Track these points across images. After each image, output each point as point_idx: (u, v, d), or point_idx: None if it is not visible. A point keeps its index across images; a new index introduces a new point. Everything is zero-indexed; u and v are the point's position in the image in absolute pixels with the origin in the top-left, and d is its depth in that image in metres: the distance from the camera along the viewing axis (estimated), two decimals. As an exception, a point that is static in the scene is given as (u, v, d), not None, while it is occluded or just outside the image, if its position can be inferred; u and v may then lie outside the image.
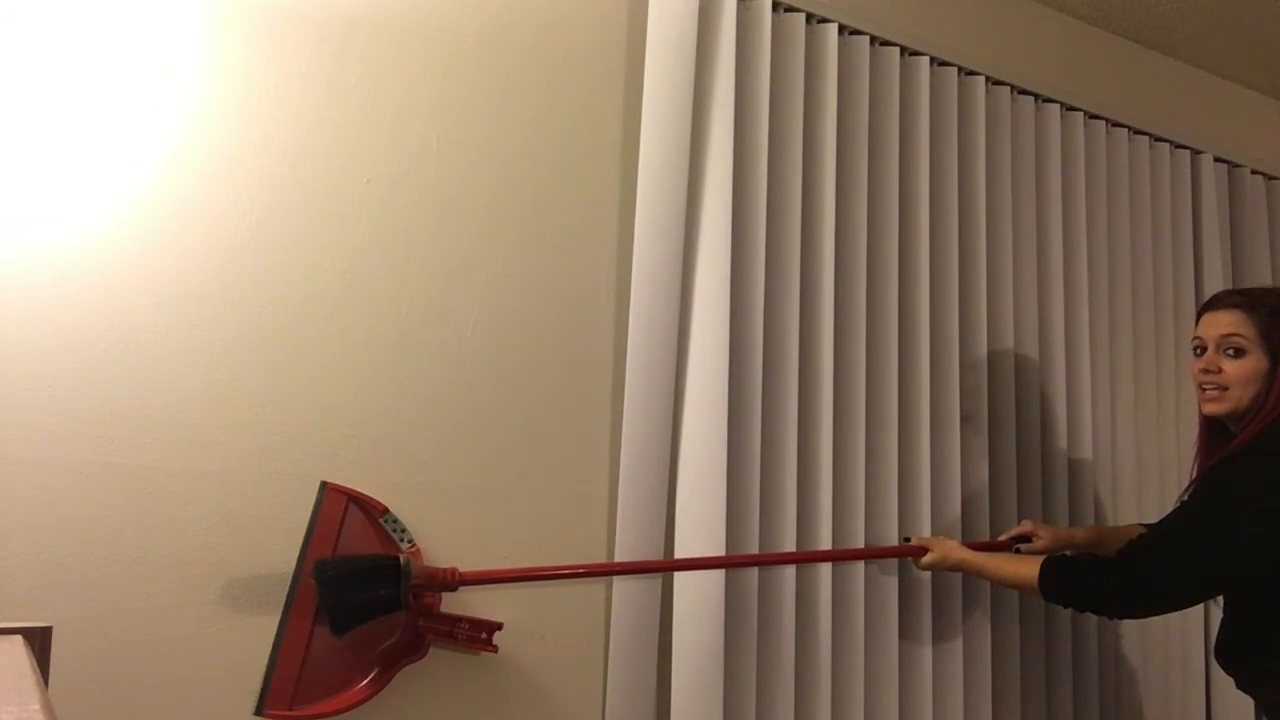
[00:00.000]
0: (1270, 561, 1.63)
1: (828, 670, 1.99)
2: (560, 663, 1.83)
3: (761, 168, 2.03)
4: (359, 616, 1.60)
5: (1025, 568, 1.83)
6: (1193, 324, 2.64)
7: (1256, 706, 1.80)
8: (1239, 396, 1.70)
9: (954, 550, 1.97)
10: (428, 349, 1.77)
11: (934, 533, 2.14)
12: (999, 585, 2.10)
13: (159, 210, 1.60)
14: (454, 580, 1.67)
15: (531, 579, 1.79)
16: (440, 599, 1.70)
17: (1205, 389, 1.75)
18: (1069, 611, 2.28)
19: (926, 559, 1.99)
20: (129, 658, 1.51)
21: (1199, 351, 1.78)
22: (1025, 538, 2.09)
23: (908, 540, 2.07)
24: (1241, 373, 1.70)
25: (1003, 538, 2.12)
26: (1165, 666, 2.47)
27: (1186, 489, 1.80)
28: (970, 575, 2.07)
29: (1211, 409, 1.75)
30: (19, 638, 1.11)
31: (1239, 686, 1.76)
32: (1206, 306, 1.81)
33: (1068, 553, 2.06)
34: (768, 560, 1.94)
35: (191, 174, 1.62)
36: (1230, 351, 1.71)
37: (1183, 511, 1.72)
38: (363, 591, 1.59)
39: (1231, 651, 1.75)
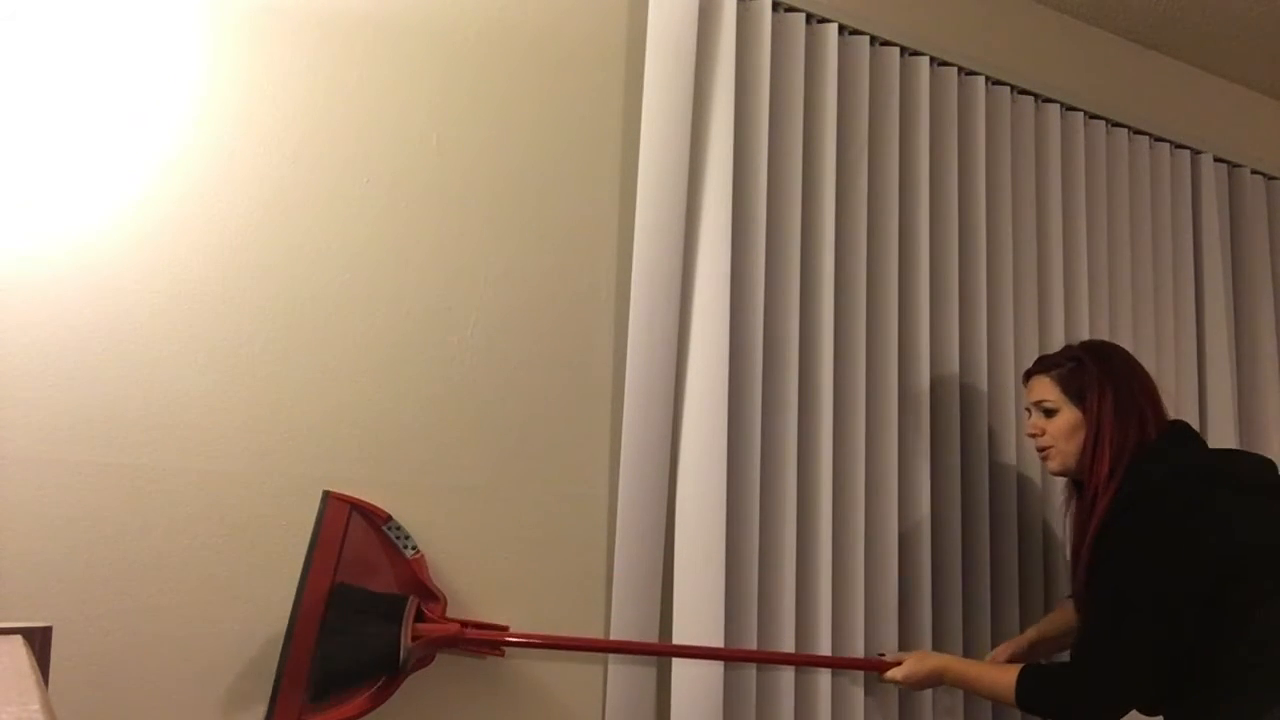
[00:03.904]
0: (1203, 600, 1.65)
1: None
2: (561, 663, 1.83)
3: (761, 168, 2.03)
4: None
5: (1003, 677, 1.82)
6: (1193, 325, 2.69)
7: None
8: (1065, 450, 1.86)
9: (928, 656, 1.95)
10: (428, 349, 1.77)
11: (932, 535, 2.15)
12: (977, 695, 2.01)
13: (159, 210, 1.60)
14: (456, 639, 1.67)
15: (535, 646, 1.78)
16: (444, 606, 1.70)
17: (1039, 451, 1.92)
18: None
19: (899, 671, 1.94)
20: (129, 658, 1.51)
21: (1030, 416, 1.94)
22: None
23: (881, 655, 2.02)
24: (1058, 429, 1.87)
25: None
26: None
27: (1077, 555, 1.83)
28: (950, 685, 1.99)
29: (1050, 467, 1.91)
30: (19, 638, 1.11)
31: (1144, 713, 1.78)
32: (1026, 374, 1.98)
33: (1043, 661, 2.00)
34: (762, 658, 1.92)
35: (191, 174, 1.62)
36: (1045, 413, 1.89)
37: (1102, 606, 1.73)
38: (357, 669, 1.60)
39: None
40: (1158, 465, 1.76)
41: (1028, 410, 1.94)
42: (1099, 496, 1.77)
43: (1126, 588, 1.69)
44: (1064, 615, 2.07)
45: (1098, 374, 1.84)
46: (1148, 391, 1.86)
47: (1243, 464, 1.85)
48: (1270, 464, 1.86)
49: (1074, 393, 1.85)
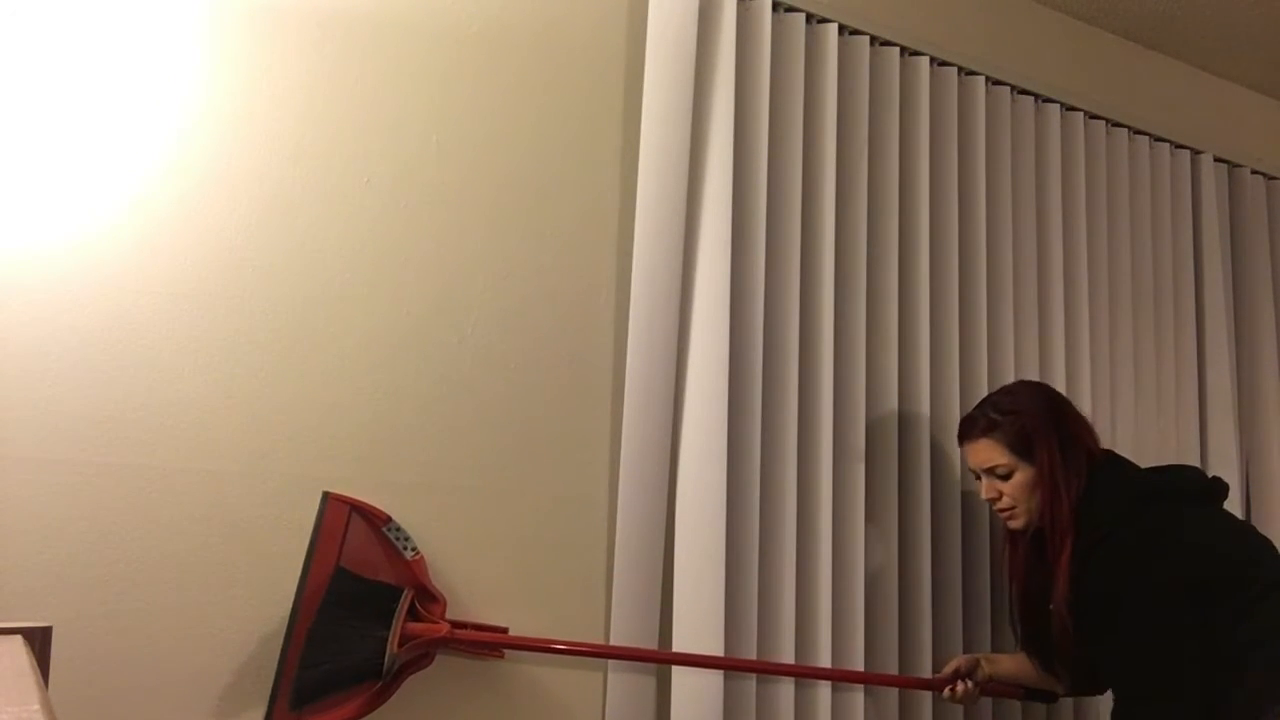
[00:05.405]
0: (1198, 609, 1.65)
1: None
2: (561, 666, 1.83)
3: (761, 168, 2.03)
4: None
5: None
6: (1193, 325, 2.68)
7: None
8: (1028, 508, 1.83)
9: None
10: (428, 349, 1.77)
11: (932, 537, 2.15)
12: None
13: (159, 210, 1.60)
14: (445, 641, 1.66)
15: (522, 648, 1.77)
16: (444, 608, 1.70)
17: (1000, 512, 1.87)
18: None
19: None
20: (129, 658, 1.51)
21: (977, 478, 1.89)
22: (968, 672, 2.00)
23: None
24: (1017, 489, 1.82)
25: (945, 672, 2.00)
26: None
27: (1035, 599, 1.84)
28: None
29: (1015, 526, 1.86)
30: (19, 638, 1.10)
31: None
32: (960, 439, 1.92)
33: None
34: (767, 669, 1.92)
35: (191, 174, 1.62)
36: (999, 477, 1.84)
37: (1146, 643, 1.70)
38: (340, 677, 1.60)
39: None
40: (1116, 494, 1.76)
41: (975, 474, 1.89)
42: (1063, 539, 1.76)
43: (1159, 613, 1.67)
44: (1018, 665, 2.01)
45: (1037, 422, 1.81)
46: (1080, 421, 1.86)
47: (1182, 476, 1.85)
48: (1201, 471, 1.88)
49: (1023, 450, 1.81)
